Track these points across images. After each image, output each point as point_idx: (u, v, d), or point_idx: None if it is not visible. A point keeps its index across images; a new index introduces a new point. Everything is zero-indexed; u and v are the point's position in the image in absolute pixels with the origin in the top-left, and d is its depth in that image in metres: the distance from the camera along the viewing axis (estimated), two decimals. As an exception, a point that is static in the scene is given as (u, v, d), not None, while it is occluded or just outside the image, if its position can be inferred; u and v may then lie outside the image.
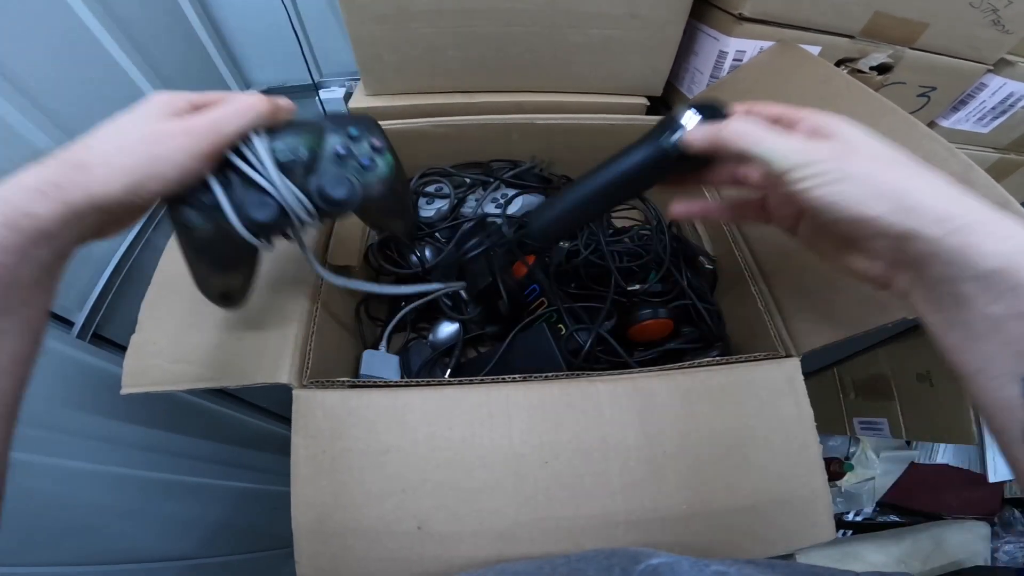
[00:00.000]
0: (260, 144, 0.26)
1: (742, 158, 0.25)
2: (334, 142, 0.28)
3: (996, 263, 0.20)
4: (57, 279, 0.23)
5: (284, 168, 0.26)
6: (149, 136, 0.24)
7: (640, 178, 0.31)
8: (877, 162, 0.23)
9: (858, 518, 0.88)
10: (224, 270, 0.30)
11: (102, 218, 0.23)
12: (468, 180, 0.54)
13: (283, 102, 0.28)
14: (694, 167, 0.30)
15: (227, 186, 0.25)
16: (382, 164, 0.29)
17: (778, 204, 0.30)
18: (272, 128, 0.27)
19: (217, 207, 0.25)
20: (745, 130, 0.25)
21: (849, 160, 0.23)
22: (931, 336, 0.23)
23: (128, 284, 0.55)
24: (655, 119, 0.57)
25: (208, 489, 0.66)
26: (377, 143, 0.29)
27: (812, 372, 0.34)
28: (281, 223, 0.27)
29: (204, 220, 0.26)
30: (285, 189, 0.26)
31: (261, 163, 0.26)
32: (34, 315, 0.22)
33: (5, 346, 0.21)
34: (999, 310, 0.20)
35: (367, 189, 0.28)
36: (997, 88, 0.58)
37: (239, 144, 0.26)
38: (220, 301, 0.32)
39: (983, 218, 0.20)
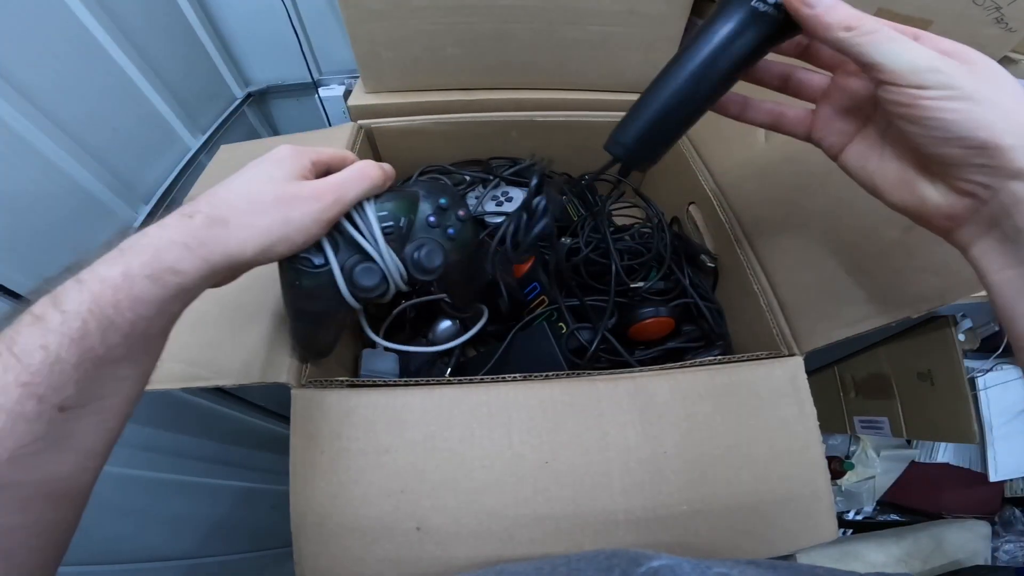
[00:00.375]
0: (372, 214, 0.28)
1: (860, 60, 0.22)
2: (426, 211, 0.30)
3: None
4: (172, 327, 0.24)
5: (386, 235, 0.28)
6: (282, 199, 0.24)
7: (736, 52, 0.25)
8: (1010, 93, 0.21)
9: (858, 517, 0.88)
10: (319, 325, 0.32)
11: (227, 274, 0.24)
12: (468, 177, 0.54)
13: (388, 169, 0.29)
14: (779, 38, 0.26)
15: (336, 250, 0.27)
16: (465, 234, 0.31)
17: (836, 117, 0.27)
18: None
19: (327, 269, 0.27)
20: (876, 29, 0.22)
21: (986, 83, 0.20)
22: (995, 294, 0.22)
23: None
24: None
25: (208, 488, 0.66)
26: (462, 213, 0.31)
27: (812, 370, 0.34)
28: (380, 288, 0.28)
29: (312, 280, 0.27)
30: (390, 260, 0.28)
31: (372, 235, 0.28)
32: (151, 361, 0.23)
33: (123, 391, 0.22)
34: None
35: (450, 257, 0.30)
36: (1000, 86, 0.58)
37: (351, 209, 0.27)
38: (309, 352, 0.34)
39: None
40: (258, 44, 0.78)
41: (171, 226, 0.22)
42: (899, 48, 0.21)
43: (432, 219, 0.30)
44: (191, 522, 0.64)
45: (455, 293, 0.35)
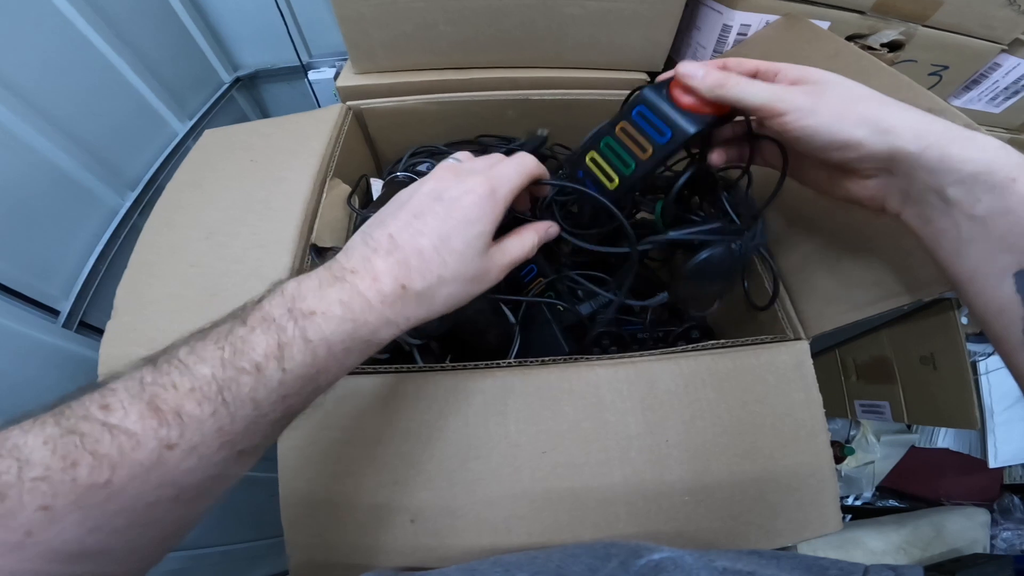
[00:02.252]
0: None
1: (737, 107, 0.27)
2: None
3: (975, 167, 0.22)
4: None
5: None
6: (475, 277, 0.25)
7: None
8: (850, 97, 0.25)
9: (857, 502, 0.88)
10: None
11: None
12: (462, 161, 0.53)
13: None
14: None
15: None
16: None
17: (767, 147, 0.31)
18: None
19: None
20: (718, 80, 0.27)
21: (822, 96, 0.25)
22: (930, 254, 0.26)
23: (114, 270, 0.53)
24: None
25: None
26: None
27: (813, 354, 0.33)
28: (390, 346, 0.32)
29: None
30: None
31: None
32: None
33: (280, 434, 0.22)
34: (982, 210, 0.22)
35: (457, 315, 0.32)
36: (1011, 68, 0.56)
37: None
38: None
39: (957, 134, 0.23)
40: (246, 28, 0.76)
41: (390, 300, 0.22)
42: (750, 89, 0.26)
43: None
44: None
45: (478, 339, 0.38)
